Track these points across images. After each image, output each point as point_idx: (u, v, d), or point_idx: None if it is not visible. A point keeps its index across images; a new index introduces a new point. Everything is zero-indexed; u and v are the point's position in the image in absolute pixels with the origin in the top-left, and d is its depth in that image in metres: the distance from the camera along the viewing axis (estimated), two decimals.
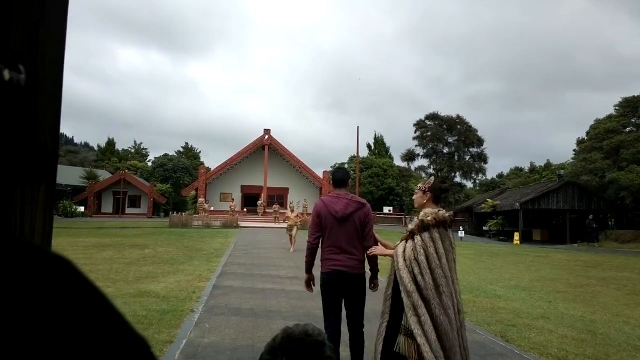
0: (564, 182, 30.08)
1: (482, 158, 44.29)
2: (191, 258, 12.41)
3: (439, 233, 3.11)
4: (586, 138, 33.71)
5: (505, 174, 66.81)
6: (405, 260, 3.11)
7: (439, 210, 3.24)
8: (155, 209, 45.53)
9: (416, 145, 45.25)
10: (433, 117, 44.96)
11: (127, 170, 46.50)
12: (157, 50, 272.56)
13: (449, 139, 44.56)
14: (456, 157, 44.59)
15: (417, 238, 3.12)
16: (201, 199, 35.41)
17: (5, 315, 0.25)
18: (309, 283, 3.99)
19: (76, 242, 15.96)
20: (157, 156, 56.34)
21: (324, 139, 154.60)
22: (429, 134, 44.18)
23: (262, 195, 37.91)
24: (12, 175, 0.64)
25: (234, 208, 32.66)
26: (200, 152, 70.87)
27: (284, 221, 17.81)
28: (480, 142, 44.11)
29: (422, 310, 2.92)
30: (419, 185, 3.58)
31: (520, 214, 29.02)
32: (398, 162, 52.05)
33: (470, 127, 44.05)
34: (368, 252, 3.68)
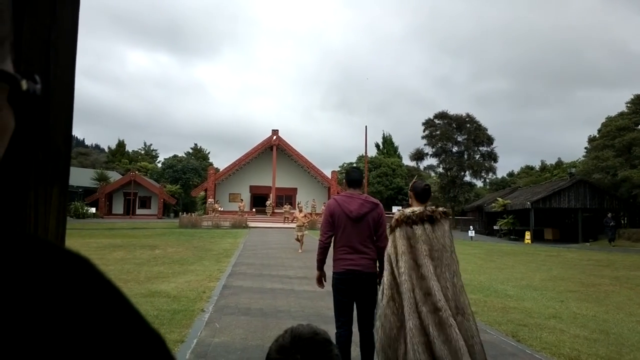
0: (576, 180, 29.75)
1: (492, 157, 43.88)
2: (201, 258, 12.48)
3: (406, 230, 3.23)
4: (597, 135, 33.31)
5: (515, 173, 66.25)
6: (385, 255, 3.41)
7: (406, 209, 3.38)
8: (165, 210, 45.86)
9: (425, 144, 44.95)
10: (442, 115, 44.66)
11: (137, 172, 46.91)
12: (165, 52, 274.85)
13: (458, 137, 44.21)
14: (466, 156, 44.23)
15: (390, 236, 3.38)
16: (210, 200, 35.58)
17: (27, 311, 0.25)
18: (320, 279, 3.99)
19: (88, 242, 16.14)
20: (166, 157, 56.76)
21: (331, 138, 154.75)
22: (438, 132, 43.88)
23: (271, 195, 38.00)
24: (26, 178, 0.65)
25: (243, 208, 32.79)
26: (209, 152, 71.24)
27: (292, 221, 17.83)
28: (490, 140, 43.72)
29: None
30: None
31: (531, 212, 28.75)
32: (407, 162, 51.90)
33: (480, 125, 43.68)
34: None
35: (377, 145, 59.01)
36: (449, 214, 3.40)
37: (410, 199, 3.58)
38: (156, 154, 73.87)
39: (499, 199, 34.30)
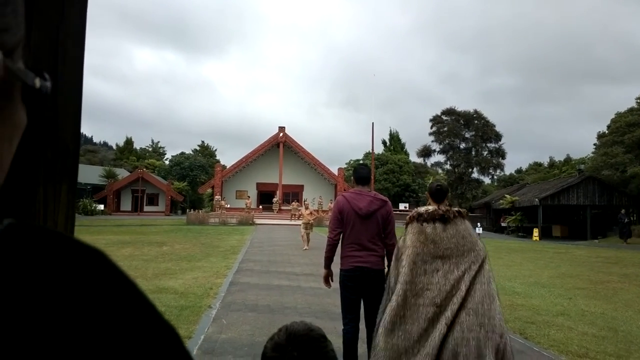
0: (584, 176, 29.48)
1: (500, 153, 43.59)
2: (208, 255, 12.54)
3: (417, 227, 3.28)
4: (607, 132, 32.97)
5: (523, 169, 65.88)
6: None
7: (421, 207, 3.44)
8: (173, 207, 46.12)
9: (432, 141, 44.74)
10: (449, 112, 44.42)
11: (144, 169, 47.20)
12: (172, 50, 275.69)
13: (465, 134, 43.95)
14: (473, 153, 43.98)
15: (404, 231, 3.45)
16: (217, 197, 35.72)
17: (43, 302, 0.25)
18: (327, 278, 3.99)
19: (96, 239, 16.28)
20: (174, 154, 57.07)
21: (338, 135, 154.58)
22: (446, 129, 43.64)
23: (277, 192, 38.06)
24: (35, 174, 0.66)
25: (250, 205, 32.89)
26: (216, 150, 71.53)
27: (298, 218, 17.83)
28: (497, 137, 43.42)
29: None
30: None
31: (539, 209, 28.56)
32: (414, 158, 51.73)
33: (488, 121, 43.38)
34: None
35: (383, 142, 58.83)
36: (465, 214, 3.39)
37: (427, 199, 3.67)
38: (164, 151, 74.29)
39: (507, 195, 34.10)
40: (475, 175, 44.69)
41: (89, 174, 44.62)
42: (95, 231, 20.21)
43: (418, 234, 3.25)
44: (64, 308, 0.26)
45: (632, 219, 29.83)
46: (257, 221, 29.94)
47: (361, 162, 49.02)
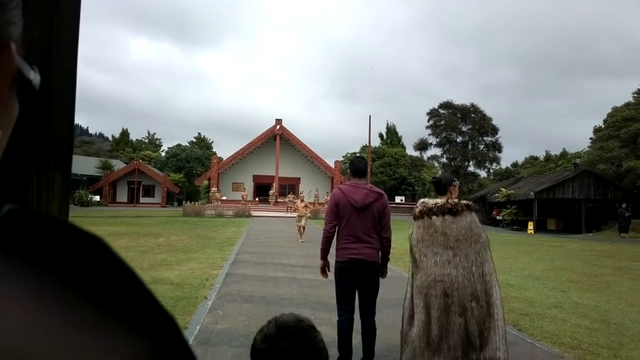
0: (580, 170, 29.58)
1: (497, 147, 43.69)
2: (204, 246, 12.56)
3: (426, 221, 3.34)
4: (603, 126, 33.02)
5: (520, 163, 65.99)
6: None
7: (429, 200, 3.48)
8: (169, 198, 46.07)
9: (429, 134, 44.76)
10: (447, 105, 44.39)
11: (141, 160, 47.04)
12: (168, 41, 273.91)
13: (462, 127, 43.96)
14: (470, 146, 44.05)
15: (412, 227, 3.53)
16: (214, 189, 35.68)
17: (43, 286, 0.25)
18: (324, 269, 4.01)
19: (92, 230, 16.12)
20: (170, 146, 56.98)
21: (335, 128, 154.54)
22: (443, 122, 43.64)
23: (274, 184, 38.05)
24: (28, 162, 0.66)
25: (246, 197, 32.89)
26: (212, 142, 71.38)
27: (294, 211, 17.86)
28: (494, 130, 43.48)
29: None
30: None
31: (534, 203, 28.68)
32: (410, 152, 51.78)
33: (485, 115, 43.40)
34: None
35: (380, 135, 58.83)
36: (473, 207, 3.44)
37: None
38: (160, 142, 74.00)
39: (503, 189, 34.20)
40: (471, 168, 44.84)
41: (84, 165, 44.45)
42: (91, 222, 20.16)
43: (427, 227, 3.31)
44: (62, 291, 0.26)
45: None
46: (254, 213, 29.96)
47: (358, 155, 49.04)
